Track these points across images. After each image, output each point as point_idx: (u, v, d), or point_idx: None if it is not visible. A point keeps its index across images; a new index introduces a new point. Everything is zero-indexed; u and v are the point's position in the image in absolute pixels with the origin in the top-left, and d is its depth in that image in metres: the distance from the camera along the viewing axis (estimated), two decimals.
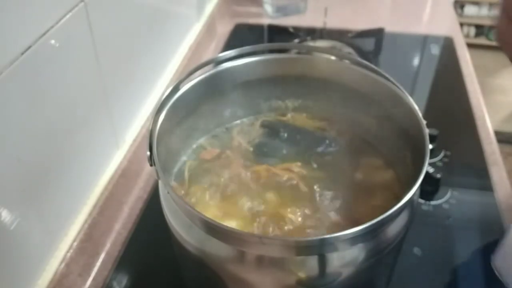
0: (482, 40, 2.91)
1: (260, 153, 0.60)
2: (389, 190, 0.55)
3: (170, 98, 0.53)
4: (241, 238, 0.41)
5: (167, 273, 0.61)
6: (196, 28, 1.03)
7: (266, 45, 0.64)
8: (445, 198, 0.69)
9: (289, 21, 1.17)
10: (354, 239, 0.41)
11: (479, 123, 0.84)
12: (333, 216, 0.52)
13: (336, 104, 0.63)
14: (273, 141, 0.62)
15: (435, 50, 1.06)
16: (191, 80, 0.56)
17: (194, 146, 0.62)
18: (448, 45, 1.08)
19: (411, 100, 0.52)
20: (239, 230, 0.41)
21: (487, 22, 2.86)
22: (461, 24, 2.22)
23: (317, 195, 0.54)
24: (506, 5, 0.57)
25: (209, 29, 1.07)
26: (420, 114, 0.50)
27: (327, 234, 0.39)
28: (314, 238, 0.43)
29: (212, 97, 0.60)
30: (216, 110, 0.62)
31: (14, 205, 0.48)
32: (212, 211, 0.53)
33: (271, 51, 0.62)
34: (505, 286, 0.58)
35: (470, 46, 1.16)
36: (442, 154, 0.76)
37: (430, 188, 0.70)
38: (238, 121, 0.65)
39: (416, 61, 1.05)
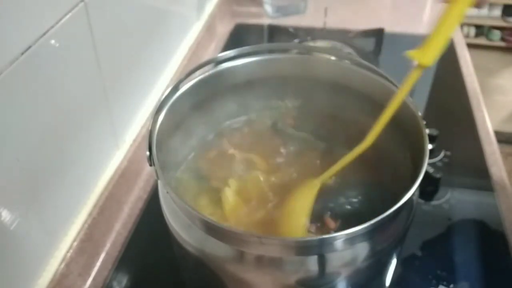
0: (482, 40, 2.90)
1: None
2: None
3: (170, 98, 0.53)
4: (240, 238, 0.41)
5: (167, 273, 0.61)
6: (196, 28, 1.03)
7: (266, 45, 0.64)
8: (445, 198, 0.69)
9: (289, 21, 1.17)
10: (353, 239, 0.41)
11: (479, 123, 0.84)
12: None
13: (336, 104, 0.63)
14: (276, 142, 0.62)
15: None
16: (191, 80, 0.56)
17: (194, 146, 0.62)
18: (448, 45, 1.08)
19: (411, 100, 0.52)
20: (239, 230, 0.41)
21: (487, 22, 2.86)
22: (461, 24, 2.22)
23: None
24: None
25: (209, 29, 1.07)
26: (420, 114, 0.50)
27: (326, 234, 0.39)
28: (314, 238, 0.43)
29: (212, 97, 0.60)
30: (216, 110, 0.62)
31: (14, 205, 0.48)
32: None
33: (271, 51, 0.62)
34: None
35: (470, 46, 1.15)
36: (442, 154, 0.76)
37: (430, 188, 0.70)
38: (238, 121, 0.65)
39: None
